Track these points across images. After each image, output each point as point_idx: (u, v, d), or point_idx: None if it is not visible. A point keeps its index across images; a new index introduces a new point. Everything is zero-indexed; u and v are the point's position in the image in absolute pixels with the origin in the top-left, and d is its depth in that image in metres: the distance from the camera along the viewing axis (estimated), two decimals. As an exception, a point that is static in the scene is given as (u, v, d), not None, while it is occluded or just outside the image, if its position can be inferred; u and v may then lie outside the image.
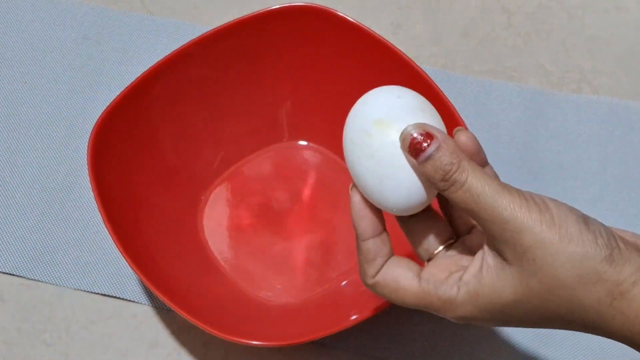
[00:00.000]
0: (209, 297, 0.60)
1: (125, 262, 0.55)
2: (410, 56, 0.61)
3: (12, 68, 0.70)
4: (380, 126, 0.42)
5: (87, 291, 0.63)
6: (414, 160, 0.41)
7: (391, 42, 0.61)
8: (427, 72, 0.60)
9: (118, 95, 0.59)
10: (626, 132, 0.68)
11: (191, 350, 0.61)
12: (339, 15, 0.62)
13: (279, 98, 0.66)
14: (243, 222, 0.65)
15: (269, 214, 0.65)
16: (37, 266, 0.63)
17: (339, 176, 0.65)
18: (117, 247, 0.55)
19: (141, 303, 0.62)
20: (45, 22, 0.72)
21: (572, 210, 0.40)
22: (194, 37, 0.62)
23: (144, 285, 0.62)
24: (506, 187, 0.40)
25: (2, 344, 0.61)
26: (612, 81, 0.70)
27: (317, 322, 0.58)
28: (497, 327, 0.61)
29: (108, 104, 0.59)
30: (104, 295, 0.63)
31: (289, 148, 0.67)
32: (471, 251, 0.45)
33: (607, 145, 0.68)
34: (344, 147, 0.44)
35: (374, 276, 0.43)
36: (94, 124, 0.58)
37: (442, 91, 0.60)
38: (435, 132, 0.41)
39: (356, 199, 0.43)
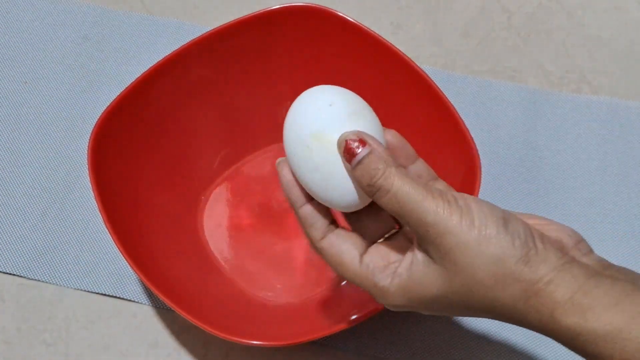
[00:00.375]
0: (209, 297, 0.60)
1: (126, 262, 0.55)
2: (410, 56, 0.61)
3: (12, 68, 0.70)
4: (319, 140, 0.44)
5: (87, 291, 0.63)
6: (349, 167, 0.43)
7: (391, 42, 0.61)
8: (427, 72, 0.60)
9: (118, 95, 0.59)
10: (626, 132, 0.68)
11: (191, 350, 0.61)
12: (339, 15, 0.62)
13: (279, 98, 0.66)
14: (243, 222, 0.65)
15: (269, 214, 0.65)
16: (37, 266, 0.63)
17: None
18: (117, 247, 0.55)
19: (141, 303, 0.62)
20: (45, 22, 0.72)
21: (494, 211, 0.41)
22: (194, 37, 0.62)
23: (144, 285, 0.62)
24: (430, 192, 0.42)
25: (2, 344, 0.61)
26: (611, 81, 0.71)
27: (317, 322, 0.58)
28: (496, 327, 0.61)
29: (108, 104, 0.59)
30: (104, 295, 0.63)
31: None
32: (410, 241, 0.47)
33: (607, 145, 0.68)
34: (286, 153, 0.46)
35: (320, 240, 0.45)
36: (94, 124, 0.58)
37: (442, 91, 0.60)
38: (368, 139, 0.43)
39: (285, 171, 0.46)
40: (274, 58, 0.64)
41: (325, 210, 0.46)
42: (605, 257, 0.64)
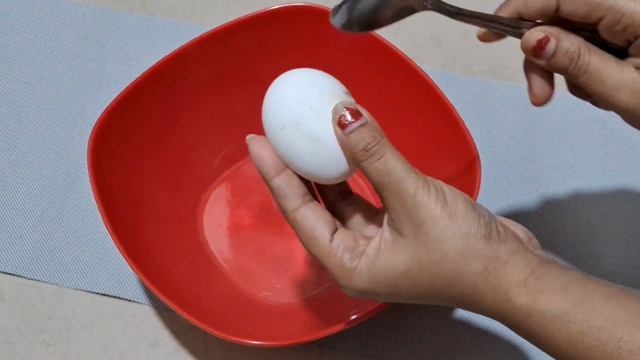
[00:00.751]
0: (209, 297, 0.60)
1: (125, 262, 0.55)
2: (410, 56, 0.61)
3: (12, 68, 0.70)
4: (306, 112, 0.45)
5: (87, 291, 0.63)
6: (340, 132, 0.45)
7: (391, 42, 0.61)
8: (427, 72, 0.60)
9: (118, 95, 0.59)
10: (626, 132, 0.68)
11: (191, 350, 0.61)
12: (339, 16, 0.62)
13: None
14: (243, 222, 0.65)
15: (269, 214, 0.65)
16: (37, 266, 0.63)
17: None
18: (117, 247, 0.55)
19: (141, 303, 0.62)
20: (45, 22, 0.72)
21: (463, 195, 0.45)
22: (194, 37, 0.62)
23: (144, 285, 0.62)
24: (413, 169, 0.44)
25: (2, 343, 0.61)
26: (611, 81, 0.70)
27: (317, 322, 0.58)
28: (496, 327, 0.61)
29: (108, 104, 0.59)
30: (104, 295, 0.63)
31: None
32: (380, 224, 0.48)
33: (607, 145, 0.68)
34: (266, 129, 0.47)
35: (294, 211, 0.46)
36: (94, 124, 0.58)
37: (441, 91, 0.60)
38: (362, 111, 0.45)
39: (254, 146, 0.47)
40: (274, 58, 0.64)
41: (298, 182, 0.47)
42: (605, 257, 0.64)
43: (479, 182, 0.57)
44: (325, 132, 0.45)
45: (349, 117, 0.44)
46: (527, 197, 0.66)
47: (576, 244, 0.64)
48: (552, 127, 0.68)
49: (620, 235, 0.65)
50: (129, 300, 0.62)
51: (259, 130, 0.67)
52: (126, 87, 0.60)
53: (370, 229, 0.48)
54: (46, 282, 0.63)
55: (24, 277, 0.63)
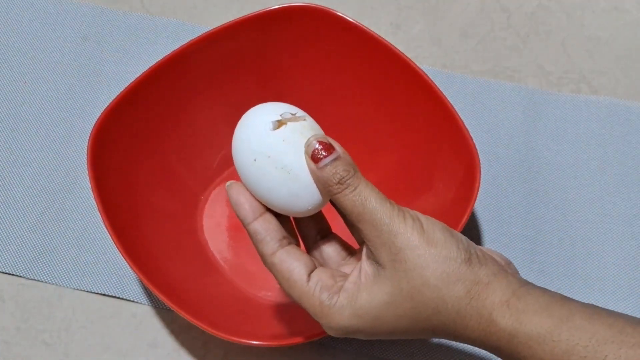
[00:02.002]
0: (209, 297, 0.60)
1: (125, 262, 0.55)
2: (409, 56, 0.61)
3: (12, 68, 0.70)
4: (274, 150, 0.46)
5: (87, 291, 0.63)
6: (313, 166, 0.45)
7: (390, 42, 0.61)
8: (426, 72, 0.60)
9: (118, 95, 0.59)
10: (625, 132, 0.68)
11: (191, 350, 0.61)
12: (338, 15, 0.62)
13: (279, 98, 0.65)
14: (243, 222, 0.65)
15: (268, 214, 0.65)
16: (37, 266, 0.63)
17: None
18: (117, 247, 0.55)
19: (141, 303, 0.62)
20: (45, 22, 0.72)
21: (440, 222, 0.45)
22: (193, 37, 0.62)
23: (143, 285, 0.62)
24: (387, 199, 0.45)
25: (2, 343, 0.61)
26: (611, 81, 0.71)
27: (317, 322, 0.58)
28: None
29: (108, 104, 0.59)
30: (104, 295, 0.63)
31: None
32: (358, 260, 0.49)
33: (606, 145, 0.68)
34: (237, 167, 0.48)
35: (270, 255, 0.46)
36: (94, 124, 0.58)
37: (441, 91, 0.60)
38: (335, 145, 0.46)
39: (232, 192, 0.48)
40: (274, 58, 0.64)
41: (276, 226, 0.47)
42: (605, 257, 0.64)
43: (479, 182, 0.57)
44: (298, 164, 0.45)
45: (322, 152, 0.45)
46: (527, 197, 0.66)
47: (576, 244, 0.64)
48: (552, 127, 0.68)
49: (620, 235, 0.65)
50: (129, 300, 0.62)
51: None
52: (126, 87, 0.60)
53: (349, 267, 0.48)
54: (46, 282, 0.63)
55: (24, 277, 0.63)
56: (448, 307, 0.44)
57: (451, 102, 0.59)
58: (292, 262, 0.46)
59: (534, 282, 0.45)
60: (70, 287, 0.63)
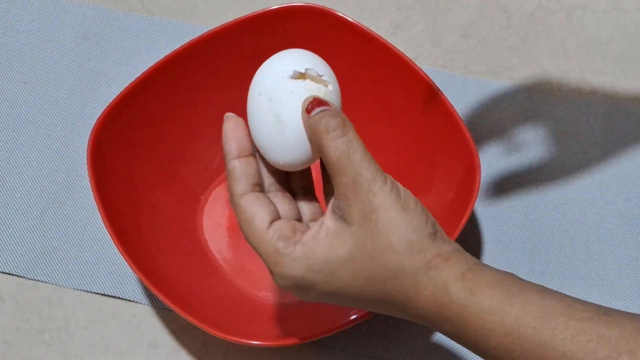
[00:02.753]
0: (209, 297, 0.60)
1: (125, 262, 0.55)
2: (409, 56, 0.61)
3: (12, 68, 0.70)
4: (279, 94, 0.46)
5: (87, 291, 0.63)
6: (306, 117, 0.45)
7: (390, 42, 0.61)
8: (426, 72, 0.60)
9: (118, 95, 0.59)
10: (626, 132, 0.68)
11: (191, 350, 0.61)
12: (338, 16, 0.62)
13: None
14: (243, 222, 0.65)
15: (268, 214, 0.65)
16: (37, 266, 0.63)
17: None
18: (117, 247, 0.55)
19: (141, 303, 0.62)
20: (45, 22, 0.72)
21: (413, 196, 0.46)
22: (193, 37, 0.62)
23: (143, 285, 0.62)
24: (373, 160, 0.45)
25: (2, 343, 0.61)
26: (611, 81, 0.71)
27: (317, 322, 0.58)
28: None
29: (108, 104, 0.59)
30: (104, 295, 0.63)
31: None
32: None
33: (607, 145, 0.68)
34: (247, 109, 0.48)
35: (240, 195, 0.46)
36: (94, 124, 0.58)
37: (441, 91, 0.60)
38: (332, 104, 0.46)
39: (227, 125, 0.48)
40: (274, 58, 0.64)
41: (255, 172, 0.47)
42: (605, 257, 0.64)
43: (479, 182, 0.57)
44: (292, 118, 0.46)
45: (315, 103, 0.45)
46: (527, 197, 0.66)
47: (576, 243, 0.64)
48: (552, 127, 0.68)
49: (620, 235, 0.65)
50: (129, 300, 0.62)
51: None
52: (126, 87, 0.60)
53: (312, 224, 0.48)
54: (46, 282, 0.63)
55: (24, 277, 0.63)
56: (406, 274, 0.44)
57: (451, 102, 0.59)
58: (257, 207, 0.46)
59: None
60: (70, 287, 0.63)
